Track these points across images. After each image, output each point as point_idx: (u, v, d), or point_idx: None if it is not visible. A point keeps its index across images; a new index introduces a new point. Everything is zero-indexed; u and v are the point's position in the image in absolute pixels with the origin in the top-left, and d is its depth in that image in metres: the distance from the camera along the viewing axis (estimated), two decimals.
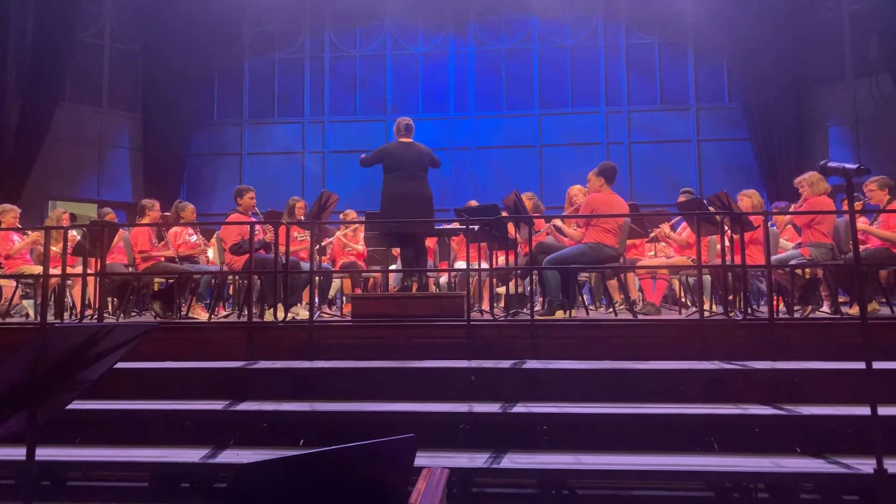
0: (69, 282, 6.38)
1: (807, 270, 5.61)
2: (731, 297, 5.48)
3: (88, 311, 6.13)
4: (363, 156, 6.06)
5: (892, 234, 5.47)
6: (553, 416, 3.86)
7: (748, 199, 6.11)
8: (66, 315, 6.28)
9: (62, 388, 1.73)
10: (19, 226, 7.11)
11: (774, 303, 5.11)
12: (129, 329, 1.83)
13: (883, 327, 4.50)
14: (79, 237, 6.45)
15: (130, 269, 6.59)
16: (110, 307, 6.78)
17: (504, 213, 6.11)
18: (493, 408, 3.93)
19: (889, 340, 4.35)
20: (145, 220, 6.63)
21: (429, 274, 6.12)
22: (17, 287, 6.60)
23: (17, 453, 3.37)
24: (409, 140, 5.99)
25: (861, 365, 2.88)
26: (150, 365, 4.51)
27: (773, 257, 5.52)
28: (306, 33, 12.89)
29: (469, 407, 3.97)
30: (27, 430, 1.70)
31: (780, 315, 5.36)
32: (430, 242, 7.31)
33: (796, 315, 5.36)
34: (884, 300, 5.65)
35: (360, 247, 7.68)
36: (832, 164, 2.95)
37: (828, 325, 4.88)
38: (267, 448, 3.84)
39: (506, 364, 4.42)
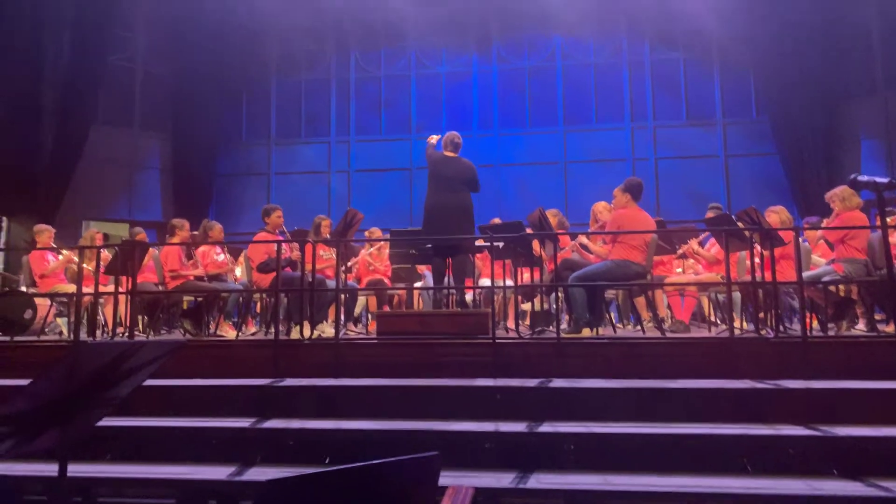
0: (101, 300, 6.51)
1: (840, 287, 5.49)
2: (761, 315, 5.38)
3: (120, 329, 6.24)
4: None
5: None
6: (580, 436, 3.80)
7: (776, 216, 6.01)
8: (99, 332, 6.40)
9: (93, 405, 1.76)
10: (54, 245, 7.29)
11: (807, 320, 5.00)
12: (159, 346, 1.85)
13: None
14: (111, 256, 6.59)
15: (160, 288, 6.70)
16: (141, 325, 6.89)
17: (528, 230, 6.09)
18: (520, 427, 3.89)
19: None
20: (175, 240, 6.75)
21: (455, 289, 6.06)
22: (51, 305, 6.75)
23: (50, 469, 3.42)
24: (453, 155, 6.06)
25: None
26: (179, 382, 4.56)
27: (805, 273, 5.41)
28: (332, 54, 13.11)
29: (495, 426, 3.93)
30: (59, 445, 1.72)
31: (814, 333, 5.24)
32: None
33: (830, 333, 5.24)
34: None
35: (382, 266, 7.72)
36: (862, 178, 2.90)
37: (863, 343, 4.76)
38: (293, 465, 3.83)
39: (532, 382, 4.38)
